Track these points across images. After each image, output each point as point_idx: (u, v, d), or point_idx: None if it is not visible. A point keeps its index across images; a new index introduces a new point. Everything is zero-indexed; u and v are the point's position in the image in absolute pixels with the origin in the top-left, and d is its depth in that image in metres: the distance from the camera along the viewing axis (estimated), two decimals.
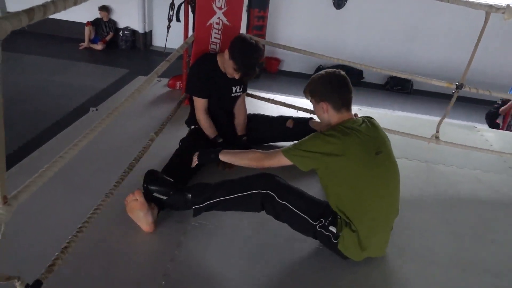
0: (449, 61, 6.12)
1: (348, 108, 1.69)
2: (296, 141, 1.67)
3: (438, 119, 2.87)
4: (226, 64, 2.23)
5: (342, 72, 1.70)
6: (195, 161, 1.97)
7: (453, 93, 2.67)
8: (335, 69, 1.72)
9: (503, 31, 5.91)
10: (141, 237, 1.78)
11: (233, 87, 2.42)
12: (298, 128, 2.48)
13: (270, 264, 1.74)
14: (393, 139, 2.80)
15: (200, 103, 2.33)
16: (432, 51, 6.31)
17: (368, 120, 1.71)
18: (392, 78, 6.41)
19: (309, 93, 1.75)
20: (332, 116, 1.68)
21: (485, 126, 4.13)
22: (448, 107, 2.73)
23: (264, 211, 1.75)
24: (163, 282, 1.56)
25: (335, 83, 1.68)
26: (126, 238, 1.77)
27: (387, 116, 3.82)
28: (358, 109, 3.66)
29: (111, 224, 1.79)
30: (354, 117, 1.72)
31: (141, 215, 1.73)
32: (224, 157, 1.86)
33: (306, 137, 1.65)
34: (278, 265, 1.74)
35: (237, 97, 2.50)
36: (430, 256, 1.92)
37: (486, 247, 2.06)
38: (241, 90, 2.48)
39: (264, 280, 1.65)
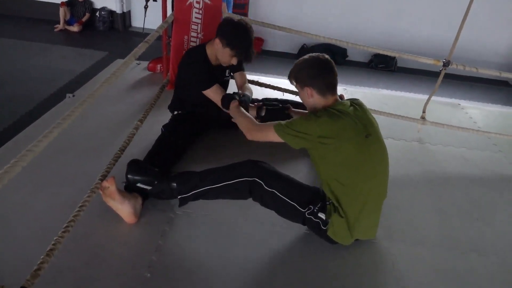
0: (434, 38, 6.09)
1: (334, 92, 1.66)
2: (288, 119, 1.64)
3: (422, 96, 2.86)
4: (220, 53, 2.11)
5: (326, 56, 1.66)
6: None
7: (440, 70, 2.65)
8: (319, 53, 1.68)
9: (490, 8, 5.89)
10: (123, 229, 1.72)
11: (223, 73, 2.35)
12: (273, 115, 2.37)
13: (257, 252, 1.71)
14: (379, 119, 2.80)
15: (217, 93, 2.14)
16: (417, 28, 6.26)
17: (356, 103, 1.68)
18: (376, 56, 6.36)
19: (293, 79, 1.71)
20: (317, 100, 1.65)
21: (469, 103, 4.15)
22: (436, 85, 2.70)
23: (251, 198, 1.71)
24: (148, 274, 1.52)
25: (319, 67, 1.64)
26: (108, 230, 1.71)
27: (372, 95, 3.79)
28: (343, 89, 3.62)
29: (93, 216, 1.72)
30: (340, 99, 1.68)
31: (117, 205, 1.68)
32: (232, 111, 1.94)
33: (298, 117, 1.64)
34: (266, 252, 1.72)
35: (227, 82, 2.42)
36: (417, 236, 1.93)
37: (472, 225, 2.07)
38: (229, 74, 2.40)
39: (251, 268, 1.63)
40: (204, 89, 2.15)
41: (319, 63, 1.65)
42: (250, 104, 2.10)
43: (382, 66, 6.38)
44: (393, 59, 6.29)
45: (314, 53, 1.69)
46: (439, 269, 1.76)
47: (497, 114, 3.67)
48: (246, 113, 1.92)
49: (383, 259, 1.77)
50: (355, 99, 1.73)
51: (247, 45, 2.07)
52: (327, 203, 1.66)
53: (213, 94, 2.15)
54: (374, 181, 1.65)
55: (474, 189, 2.39)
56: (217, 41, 2.08)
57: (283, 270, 1.65)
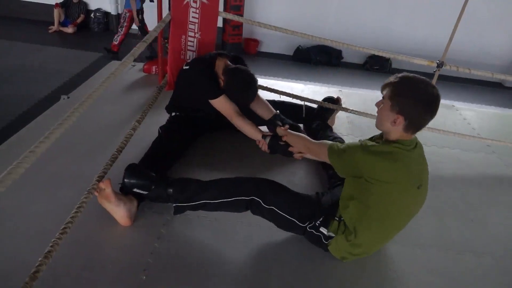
0: (429, 40, 6.13)
1: (416, 132, 1.49)
2: (344, 143, 1.55)
3: None
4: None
5: (438, 92, 1.42)
6: (265, 149, 1.98)
7: (434, 71, 2.66)
8: (431, 83, 1.44)
9: (485, 10, 5.94)
10: (120, 231, 1.71)
11: None
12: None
13: (255, 255, 1.70)
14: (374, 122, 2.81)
15: (230, 106, 2.11)
16: (412, 30, 6.30)
17: (419, 145, 1.53)
18: (371, 58, 6.40)
19: (391, 96, 1.45)
20: (396, 132, 1.47)
21: (464, 105, 4.17)
22: None
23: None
24: (144, 277, 1.51)
25: (430, 108, 1.42)
26: (104, 232, 1.70)
27: (367, 96, 3.79)
28: (339, 90, 3.63)
29: (90, 218, 1.71)
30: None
31: (112, 207, 1.67)
32: (284, 134, 1.89)
33: (356, 144, 1.48)
34: (262, 255, 1.71)
35: None
36: (413, 237, 1.93)
37: (468, 225, 2.09)
38: None
39: (248, 271, 1.62)
40: (212, 98, 2.13)
41: (432, 103, 1.42)
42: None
43: (377, 67, 6.42)
44: (387, 60, 6.33)
45: (427, 83, 1.43)
46: (435, 269, 1.77)
47: (491, 115, 3.70)
48: (296, 133, 1.88)
49: (379, 260, 1.77)
50: (417, 140, 1.54)
51: (243, 101, 2.12)
52: (336, 218, 1.62)
53: (221, 104, 2.13)
54: (402, 225, 1.62)
55: (469, 190, 2.41)
56: (221, 77, 2.12)
57: (280, 272, 1.64)
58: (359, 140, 1.55)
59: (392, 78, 1.46)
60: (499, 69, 6.25)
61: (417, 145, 1.51)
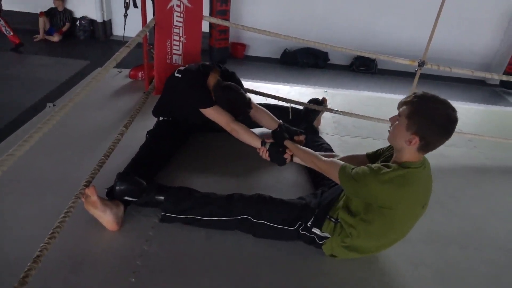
0: (414, 41, 6.22)
1: (427, 153, 1.47)
2: (356, 170, 1.47)
3: (402, 97, 2.92)
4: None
5: (456, 116, 1.38)
6: (266, 157, 1.95)
7: (416, 70, 2.72)
8: (451, 105, 1.38)
9: (467, 10, 6.07)
10: (108, 235, 1.72)
11: None
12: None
13: (244, 256, 1.72)
14: (361, 121, 2.87)
15: (225, 114, 2.09)
16: (397, 31, 6.40)
17: (428, 165, 1.53)
18: (357, 59, 6.49)
19: (409, 115, 1.40)
20: (409, 152, 1.44)
21: None
22: (413, 85, 2.77)
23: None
24: (133, 280, 1.52)
25: (446, 130, 1.38)
26: (93, 236, 1.71)
27: (353, 96, 3.85)
28: (324, 91, 3.68)
29: (78, 223, 1.71)
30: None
31: (98, 213, 1.67)
32: (292, 149, 1.87)
33: (368, 172, 1.43)
34: (253, 256, 1.72)
35: None
36: None
37: (451, 219, 2.13)
38: None
39: (238, 272, 1.63)
40: (204, 107, 2.11)
41: (452, 127, 1.38)
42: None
43: (363, 68, 6.50)
44: (373, 61, 6.42)
45: (449, 107, 1.37)
46: (421, 263, 1.80)
47: (473, 112, 3.78)
48: (304, 148, 1.85)
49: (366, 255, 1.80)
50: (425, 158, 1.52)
51: (235, 113, 2.12)
52: (332, 220, 1.65)
53: (214, 113, 2.11)
54: (402, 237, 1.64)
55: (453, 183, 2.46)
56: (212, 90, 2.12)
57: (270, 272, 1.66)
58: (369, 165, 1.48)
59: (411, 97, 1.42)
60: (482, 67, 6.39)
61: (425, 166, 1.49)
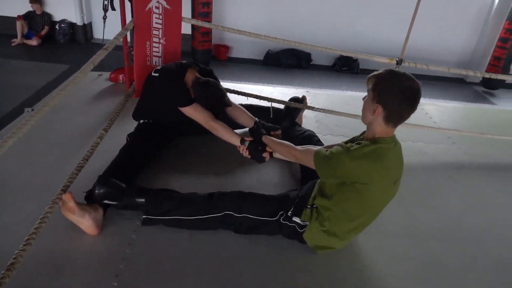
0: (394, 40, 6.30)
1: (396, 126, 1.52)
2: (328, 150, 1.55)
3: None
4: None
5: (418, 86, 1.45)
6: (247, 155, 1.98)
7: (395, 68, 2.77)
8: (414, 78, 1.45)
9: (443, 9, 6.20)
10: (90, 239, 1.69)
11: None
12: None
13: (228, 255, 1.72)
14: (343, 119, 2.90)
15: (204, 112, 2.10)
16: (377, 31, 6.49)
17: (398, 144, 1.57)
18: (339, 59, 6.55)
19: (373, 87, 1.49)
20: (377, 125, 1.50)
21: (426, 100, 4.33)
22: None
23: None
24: (115, 283, 1.50)
25: (407, 99, 1.44)
26: (73, 241, 1.68)
27: (335, 96, 3.89)
28: (306, 91, 3.71)
29: (58, 228, 1.69)
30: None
31: (76, 219, 1.65)
32: (270, 143, 1.92)
33: (340, 150, 1.49)
34: (236, 254, 1.72)
35: None
36: (379, 227, 1.97)
37: (431, 214, 2.17)
38: None
39: (223, 275, 1.63)
40: (184, 106, 2.11)
41: (409, 93, 1.44)
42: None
43: (345, 68, 6.57)
44: (355, 61, 6.50)
45: (409, 76, 1.45)
46: (402, 258, 1.83)
47: (451, 109, 3.87)
48: (281, 141, 1.89)
49: (347, 251, 1.82)
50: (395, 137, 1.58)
51: (215, 110, 2.13)
52: (308, 206, 1.69)
53: (193, 111, 2.11)
54: (376, 215, 1.69)
55: (432, 179, 2.52)
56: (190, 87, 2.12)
57: (253, 268, 1.66)
58: (341, 144, 1.56)
59: (376, 72, 1.50)
60: (460, 66, 6.52)
61: (396, 144, 1.55)
